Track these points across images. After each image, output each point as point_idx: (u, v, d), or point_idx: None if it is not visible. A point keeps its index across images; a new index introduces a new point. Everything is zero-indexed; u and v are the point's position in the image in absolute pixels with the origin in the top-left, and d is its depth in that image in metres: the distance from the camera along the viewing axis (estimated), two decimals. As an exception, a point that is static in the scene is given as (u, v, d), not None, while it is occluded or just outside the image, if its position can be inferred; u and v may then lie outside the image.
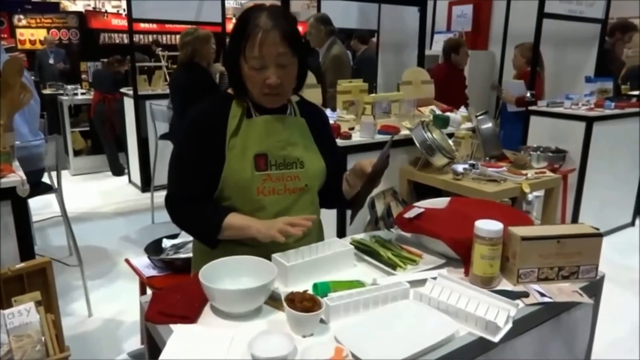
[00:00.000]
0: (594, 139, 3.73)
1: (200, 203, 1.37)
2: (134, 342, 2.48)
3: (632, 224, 4.42)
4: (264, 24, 1.27)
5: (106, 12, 9.96)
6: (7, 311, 1.48)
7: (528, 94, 4.11)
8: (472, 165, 2.78)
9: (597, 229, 1.30)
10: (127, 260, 2.18)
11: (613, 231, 4.19)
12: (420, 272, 1.29)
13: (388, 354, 0.93)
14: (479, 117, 3.13)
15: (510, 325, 1.06)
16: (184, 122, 1.41)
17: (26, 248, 1.82)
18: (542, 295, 1.18)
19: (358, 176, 1.43)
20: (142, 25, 8.51)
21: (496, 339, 1.03)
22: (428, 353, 0.97)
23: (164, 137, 4.15)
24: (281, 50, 1.29)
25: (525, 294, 1.19)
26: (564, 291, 1.21)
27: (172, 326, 1.04)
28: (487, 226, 1.19)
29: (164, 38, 9.49)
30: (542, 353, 1.21)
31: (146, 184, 4.98)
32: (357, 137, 2.93)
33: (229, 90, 1.43)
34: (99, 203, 4.90)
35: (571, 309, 1.24)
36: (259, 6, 1.33)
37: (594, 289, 1.30)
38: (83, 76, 7.23)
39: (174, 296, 1.12)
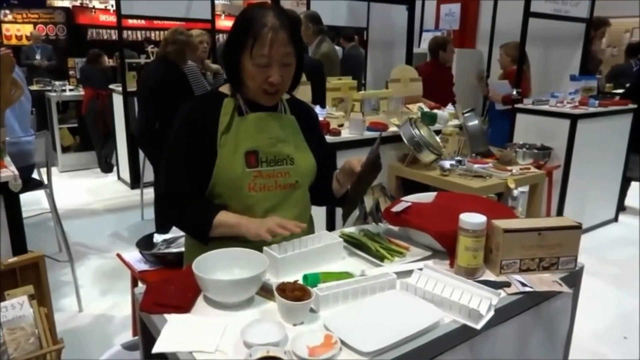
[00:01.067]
0: (578, 137, 3.80)
1: (192, 201, 1.39)
2: (125, 337, 2.50)
3: (615, 219, 4.51)
4: (272, 24, 1.30)
5: (94, 7, 9.89)
6: (0, 304, 1.50)
7: (514, 92, 4.17)
8: (459, 162, 2.84)
9: (580, 223, 1.34)
10: (118, 255, 2.20)
11: (597, 227, 4.29)
12: (407, 263, 1.33)
13: (375, 340, 0.97)
14: (466, 115, 3.19)
15: (492, 313, 1.10)
16: (175, 120, 1.43)
17: (18, 242, 1.84)
18: (524, 285, 1.23)
19: (347, 175, 1.46)
20: (131, 22, 8.47)
21: (479, 326, 1.07)
22: (414, 339, 1.01)
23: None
24: (288, 50, 1.33)
25: (507, 284, 1.23)
26: (544, 281, 1.26)
27: (166, 316, 1.07)
28: (471, 219, 1.23)
29: (153, 35, 9.46)
30: (524, 340, 1.25)
31: (135, 181, 4.98)
32: (346, 134, 2.97)
33: (221, 89, 1.46)
34: (88, 200, 4.89)
35: (551, 299, 1.28)
36: (262, 5, 1.37)
37: (574, 279, 1.34)
38: (71, 72, 7.19)
39: (168, 287, 1.15)
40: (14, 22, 9.06)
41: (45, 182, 2.85)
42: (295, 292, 1.06)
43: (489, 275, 1.29)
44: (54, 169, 4.77)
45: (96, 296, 3.01)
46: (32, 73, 6.98)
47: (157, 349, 0.97)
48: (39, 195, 3.29)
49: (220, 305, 1.12)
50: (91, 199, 4.91)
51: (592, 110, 3.93)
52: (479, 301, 1.10)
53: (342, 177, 1.50)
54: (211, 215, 1.36)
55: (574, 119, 3.78)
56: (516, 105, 4.12)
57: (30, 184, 2.74)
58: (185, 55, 3.44)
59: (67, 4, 9.73)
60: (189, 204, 1.39)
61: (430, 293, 1.14)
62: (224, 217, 1.36)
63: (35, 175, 2.93)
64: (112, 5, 9.29)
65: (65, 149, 5.91)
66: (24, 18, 9.11)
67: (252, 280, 1.11)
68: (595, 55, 5.09)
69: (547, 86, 4.86)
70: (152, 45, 6.51)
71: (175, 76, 3.39)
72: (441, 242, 1.34)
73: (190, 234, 1.48)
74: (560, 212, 3.93)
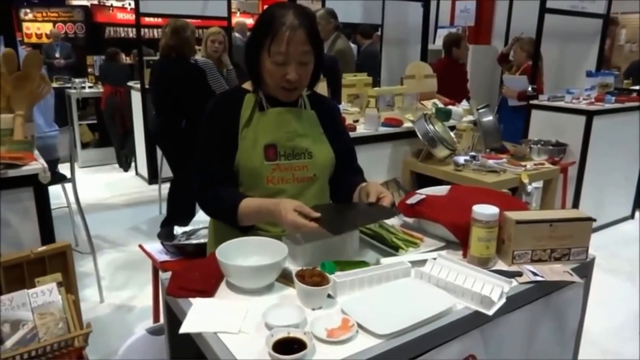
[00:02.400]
0: (594, 133, 3.79)
1: (224, 187, 1.43)
2: (146, 325, 2.55)
3: (632, 216, 4.48)
4: (291, 23, 1.35)
5: (112, 6, 10.03)
6: (31, 291, 1.58)
7: (529, 88, 4.17)
8: (473, 157, 2.87)
9: (594, 219, 1.37)
10: (140, 246, 2.27)
11: (613, 224, 4.26)
12: (421, 253, 1.37)
13: (390, 324, 1.01)
14: (480, 110, 3.21)
15: (504, 300, 1.14)
16: (204, 115, 1.50)
17: (47, 232, 1.91)
18: (535, 274, 1.26)
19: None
20: (147, 20, 8.56)
21: (490, 312, 1.11)
22: (427, 324, 1.05)
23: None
24: (305, 49, 1.38)
25: (519, 274, 1.27)
26: (555, 271, 1.29)
27: (191, 300, 1.13)
28: (484, 210, 1.27)
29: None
30: (534, 328, 1.29)
31: (153, 176, 5.06)
32: (361, 129, 3.01)
33: (244, 85, 1.52)
34: (107, 195, 5.00)
35: (562, 289, 1.31)
36: (283, 4, 1.42)
37: (585, 270, 1.37)
38: (89, 70, 7.31)
39: (193, 273, 1.21)
40: (34, 20, 9.24)
41: (69, 176, 2.93)
42: (313, 278, 1.11)
43: (501, 266, 1.32)
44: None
45: (116, 287, 3.09)
46: (52, 71, 7.12)
47: (184, 329, 1.03)
48: (58, 190, 3.39)
49: (242, 290, 1.18)
50: (110, 194, 5.01)
51: (608, 106, 3.91)
52: (491, 289, 1.14)
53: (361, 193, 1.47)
54: (236, 206, 1.38)
55: (589, 115, 3.77)
56: (531, 102, 4.11)
57: (54, 178, 2.82)
58: (191, 48, 3.44)
59: (85, 2, 9.88)
60: (221, 190, 1.43)
61: (443, 281, 1.18)
62: (244, 207, 1.37)
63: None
64: (130, 4, 9.42)
65: (84, 145, 6.04)
66: (44, 16, 9.28)
67: (272, 267, 1.17)
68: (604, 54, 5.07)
69: (562, 82, 4.83)
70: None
71: (185, 71, 3.41)
72: (454, 232, 1.38)
73: (224, 221, 1.48)
74: (575, 209, 3.92)
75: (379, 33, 5.58)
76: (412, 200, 1.53)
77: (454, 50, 4.63)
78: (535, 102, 4.11)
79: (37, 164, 1.83)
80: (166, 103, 3.48)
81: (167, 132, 3.51)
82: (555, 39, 4.78)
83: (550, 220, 1.32)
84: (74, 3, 9.84)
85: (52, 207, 3.97)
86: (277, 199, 1.36)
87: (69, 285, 1.73)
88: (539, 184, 3.04)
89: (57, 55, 7.64)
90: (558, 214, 1.38)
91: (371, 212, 1.36)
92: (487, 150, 3.10)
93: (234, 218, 1.38)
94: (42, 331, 1.54)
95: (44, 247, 1.70)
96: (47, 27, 9.12)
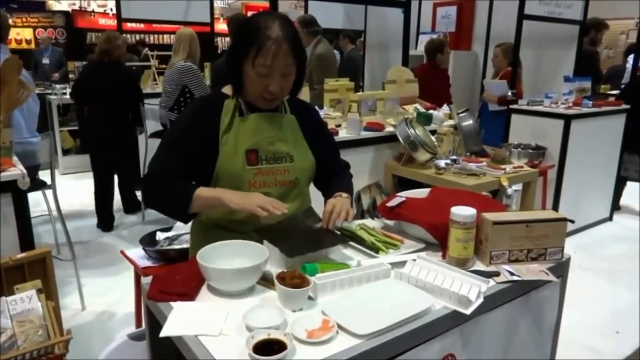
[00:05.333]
0: (572, 136, 3.86)
1: (175, 180, 1.43)
2: (128, 332, 2.54)
3: (610, 218, 4.57)
4: (276, 36, 1.36)
5: (93, 11, 9.96)
6: (9, 298, 1.56)
7: (509, 93, 4.24)
8: (454, 161, 2.90)
9: (570, 220, 1.40)
10: (122, 252, 2.26)
11: (592, 225, 4.34)
12: (401, 255, 1.39)
13: (370, 324, 1.02)
14: (460, 115, 3.25)
15: (481, 299, 1.16)
16: (183, 115, 1.52)
17: (26, 239, 1.89)
18: (512, 274, 1.29)
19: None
20: (129, 25, 8.52)
21: (468, 311, 1.13)
22: (407, 324, 1.06)
23: (153, 135, 4.22)
24: (289, 62, 1.39)
25: (497, 274, 1.29)
26: (531, 271, 1.32)
27: (172, 303, 1.13)
28: (462, 211, 1.29)
29: (151, 38, 9.51)
30: (513, 327, 1.31)
31: (136, 182, 5.01)
32: (343, 134, 3.03)
33: (223, 90, 1.53)
34: (89, 201, 4.92)
35: (539, 288, 1.34)
36: (269, 13, 1.43)
37: (561, 269, 1.40)
38: (71, 76, 7.22)
39: (174, 277, 1.21)
40: (14, 25, 9.08)
41: (49, 182, 2.90)
42: (294, 280, 1.12)
43: (479, 266, 1.35)
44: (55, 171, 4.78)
45: (98, 294, 3.05)
46: (36, 76, 7.03)
47: (164, 333, 1.03)
48: (39, 197, 3.36)
49: (223, 293, 1.18)
50: (91, 200, 4.94)
51: (585, 110, 3.99)
52: (469, 288, 1.16)
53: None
54: (190, 190, 1.39)
55: (567, 119, 3.84)
56: (511, 106, 4.18)
57: (34, 184, 2.79)
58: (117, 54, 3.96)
59: (66, 7, 9.79)
60: (172, 182, 1.43)
61: (422, 281, 1.19)
62: (202, 190, 1.40)
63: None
64: (111, 9, 9.36)
65: (65, 152, 5.96)
66: (24, 22, 9.16)
67: (252, 269, 1.17)
68: (597, 57, 5.19)
69: (540, 87, 4.92)
70: (148, 48, 6.55)
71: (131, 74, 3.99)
72: (433, 234, 1.40)
73: (170, 212, 1.50)
74: (551, 210, 3.98)
75: (361, 39, 5.63)
76: (392, 202, 1.55)
77: (438, 55, 4.69)
78: (515, 106, 4.18)
79: (15, 170, 1.82)
80: (125, 106, 4.00)
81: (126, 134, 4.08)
82: (533, 44, 4.87)
83: (526, 221, 1.35)
84: (55, 8, 9.74)
85: (34, 214, 3.94)
86: None
87: (49, 292, 1.71)
88: (518, 186, 3.09)
89: (45, 61, 7.53)
90: (534, 214, 1.41)
91: (323, 239, 1.39)
92: (468, 153, 3.14)
93: (186, 201, 1.38)
94: (22, 339, 1.52)
95: (23, 254, 1.68)
96: (27, 33, 9.01)
